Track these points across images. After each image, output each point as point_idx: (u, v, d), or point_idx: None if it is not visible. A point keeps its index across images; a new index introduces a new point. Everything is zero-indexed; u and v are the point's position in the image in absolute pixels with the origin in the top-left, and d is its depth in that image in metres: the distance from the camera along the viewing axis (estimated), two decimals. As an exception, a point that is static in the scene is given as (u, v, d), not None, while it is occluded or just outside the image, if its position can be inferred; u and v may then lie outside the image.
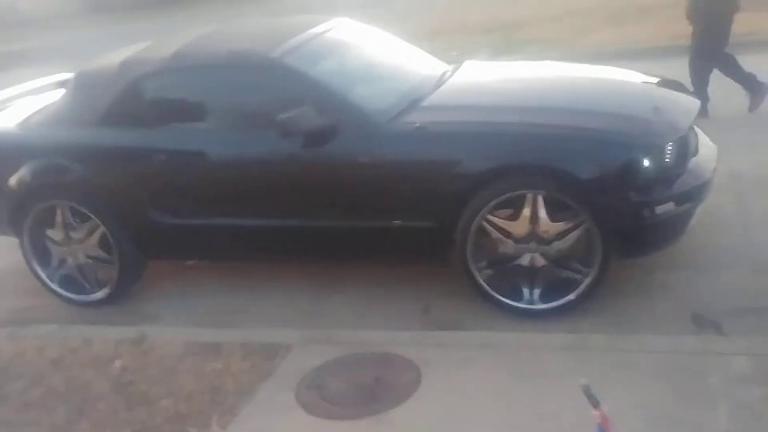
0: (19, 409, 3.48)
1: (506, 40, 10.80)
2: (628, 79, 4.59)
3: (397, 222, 3.96)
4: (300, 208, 4.13)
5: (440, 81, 4.42)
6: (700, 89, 6.34)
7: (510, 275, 3.89)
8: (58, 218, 4.61)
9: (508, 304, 3.90)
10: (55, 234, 4.67)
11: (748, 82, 6.41)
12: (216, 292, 4.68)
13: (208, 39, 4.67)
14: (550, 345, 3.43)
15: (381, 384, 3.29)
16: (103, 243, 4.61)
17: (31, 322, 4.53)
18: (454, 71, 4.60)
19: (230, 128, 4.26)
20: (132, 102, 4.40)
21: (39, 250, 4.76)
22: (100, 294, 4.71)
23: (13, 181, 4.59)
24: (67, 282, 4.78)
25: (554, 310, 3.85)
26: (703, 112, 5.41)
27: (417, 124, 3.87)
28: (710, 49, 6.45)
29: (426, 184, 3.85)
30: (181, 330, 4.08)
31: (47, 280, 4.78)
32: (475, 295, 3.99)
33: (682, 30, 6.96)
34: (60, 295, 4.78)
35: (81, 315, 4.67)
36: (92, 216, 4.50)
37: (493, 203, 3.74)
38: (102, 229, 4.53)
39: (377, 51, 4.80)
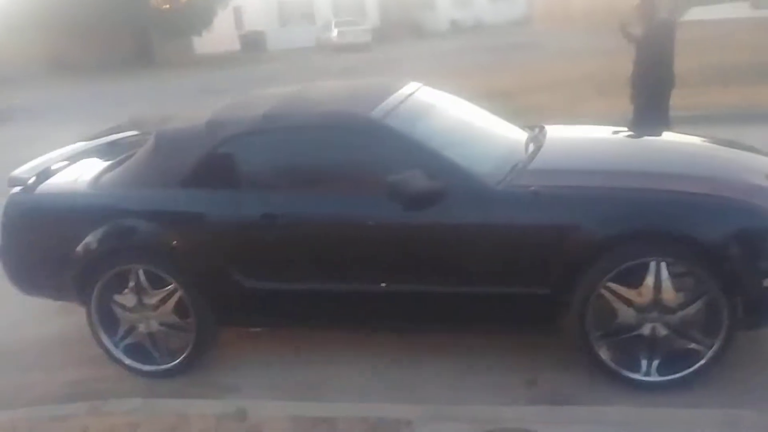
0: None
1: (509, 108, 10.86)
2: (713, 144, 4.59)
3: (507, 288, 3.82)
4: (402, 273, 3.97)
5: (536, 145, 4.35)
6: None
7: (628, 346, 3.75)
8: (131, 283, 4.33)
9: (625, 376, 3.76)
10: (127, 300, 4.39)
11: None
12: (292, 363, 4.47)
13: (297, 99, 4.55)
14: (695, 420, 3.29)
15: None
16: (178, 309, 4.33)
17: (103, 395, 4.20)
18: (542, 135, 4.54)
19: (326, 191, 4.11)
20: (220, 163, 4.23)
21: (105, 318, 4.45)
22: (171, 364, 4.43)
23: (84, 244, 4.33)
24: (134, 351, 4.50)
25: (672, 383, 3.72)
26: None
27: (533, 188, 3.77)
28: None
29: (541, 249, 3.73)
30: (280, 403, 3.82)
31: (113, 350, 4.49)
32: (587, 366, 3.87)
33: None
34: (127, 366, 4.48)
35: (149, 387, 4.37)
36: (172, 280, 4.24)
37: (615, 272, 3.61)
38: (178, 294, 4.26)
39: (460, 114, 4.74)
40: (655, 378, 3.77)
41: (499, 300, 3.86)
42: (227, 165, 4.21)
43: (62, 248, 4.44)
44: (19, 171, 4.71)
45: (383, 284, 3.98)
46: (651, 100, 6.73)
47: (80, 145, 5.20)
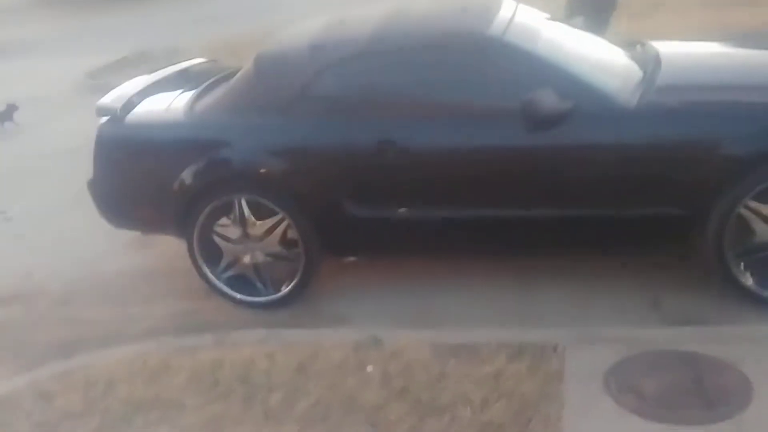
0: (304, 425, 3.10)
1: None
2: None
3: (642, 210, 3.73)
4: (528, 197, 3.87)
5: (653, 61, 4.17)
6: None
7: (764, 264, 3.69)
8: (236, 214, 4.18)
9: (759, 295, 3.71)
10: (230, 231, 4.25)
11: None
12: (401, 292, 4.36)
13: (401, 19, 4.31)
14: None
15: (707, 385, 3.04)
16: (284, 240, 4.20)
17: (213, 327, 4.10)
18: (653, 51, 4.35)
19: (445, 115, 3.93)
20: (329, 88, 4.04)
21: (207, 250, 4.31)
22: (277, 295, 4.32)
23: (186, 175, 4.15)
24: (236, 283, 4.37)
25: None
26: None
27: (670, 105, 3.63)
28: None
29: (679, 169, 3.63)
30: (413, 332, 3.73)
31: (216, 282, 4.37)
32: (709, 286, 3.84)
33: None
34: (230, 297, 4.36)
35: (255, 318, 4.26)
36: (279, 210, 4.09)
37: (758, 189, 3.52)
38: (286, 224, 4.12)
39: (563, 32, 4.54)
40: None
41: (632, 222, 3.78)
42: (336, 90, 4.03)
43: (158, 180, 4.29)
44: (106, 100, 4.48)
45: (512, 210, 3.84)
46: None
47: (150, 76, 4.92)
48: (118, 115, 4.38)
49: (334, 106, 4.02)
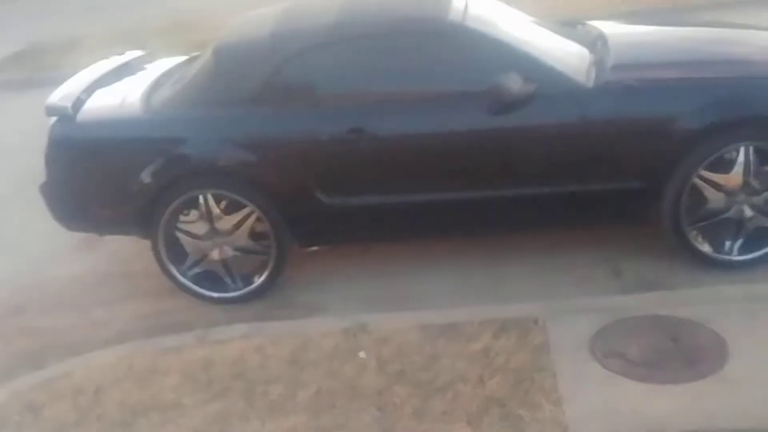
0: (311, 414, 3.15)
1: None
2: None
3: (603, 185, 3.92)
4: (495, 178, 4.01)
5: (600, 42, 4.36)
6: None
7: (716, 229, 3.96)
8: (202, 210, 4.16)
9: (712, 258, 3.97)
10: (197, 227, 4.22)
11: None
12: (374, 277, 4.43)
13: (361, 6, 4.35)
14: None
15: (684, 345, 3.27)
16: (253, 233, 4.22)
17: (187, 326, 4.08)
18: (597, 32, 4.54)
19: (409, 100, 4.01)
20: (293, 77, 4.06)
21: (172, 249, 4.27)
22: (247, 289, 4.32)
23: (147, 174, 4.11)
24: (203, 279, 4.35)
25: (753, 261, 3.97)
26: None
27: (626, 83, 3.83)
28: None
29: (637, 143, 3.85)
30: (397, 315, 3.82)
31: (183, 280, 4.34)
32: (666, 252, 4.08)
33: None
34: (200, 295, 4.35)
35: (225, 314, 4.24)
36: (247, 203, 4.09)
37: (711, 158, 3.78)
38: (254, 217, 4.13)
39: (511, 16, 4.68)
40: (736, 257, 3.98)
41: (594, 197, 3.96)
42: (301, 79, 4.04)
43: (118, 179, 4.22)
44: (54, 98, 4.34)
45: (480, 191, 3.97)
46: None
47: (92, 72, 4.79)
48: (69, 114, 4.23)
49: (300, 95, 4.04)
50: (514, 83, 3.72)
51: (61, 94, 4.40)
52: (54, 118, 4.28)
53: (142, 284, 4.64)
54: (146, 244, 4.41)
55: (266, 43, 4.11)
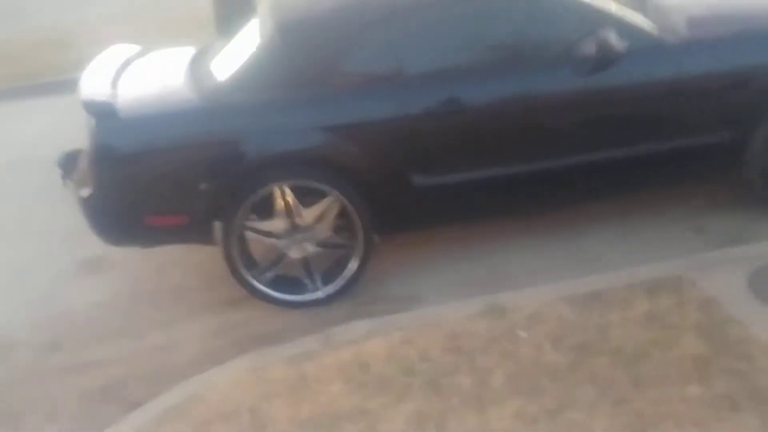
0: (526, 398, 2.87)
1: None
2: None
3: (693, 140, 3.93)
4: (592, 142, 3.92)
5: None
6: None
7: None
8: (279, 205, 3.76)
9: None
10: (274, 225, 3.81)
11: None
12: (460, 259, 4.17)
13: None
14: None
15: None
16: (336, 225, 3.89)
17: (277, 335, 3.71)
18: None
19: (500, 67, 3.83)
20: (373, 52, 3.75)
21: (243, 252, 3.83)
22: (329, 288, 3.95)
23: (215, 170, 3.68)
24: (280, 283, 3.94)
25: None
26: None
27: (709, 38, 3.86)
28: None
29: (727, 95, 3.89)
30: (525, 292, 3.59)
31: (260, 286, 3.92)
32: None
33: None
34: (277, 300, 3.94)
35: (310, 318, 3.86)
36: (331, 192, 3.74)
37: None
38: (336, 208, 3.79)
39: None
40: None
41: (685, 154, 3.94)
42: (383, 53, 3.73)
43: (177, 181, 3.75)
44: (90, 93, 3.75)
45: (577, 157, 3.86)
46: None
47: (104, 66, 4.21)
48: (112, 112, 3.66)
49: (382, 71, 3.72)
50: (615, 39, 3.62)
51: (95, 90, 3.79)
52: (95, 119, 3.65)
53: (189, 300, 4.16)
54: (165, 259, 4.20)
55: (339, 18, 3.76)
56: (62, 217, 4.83)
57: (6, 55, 9.44)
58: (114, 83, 3.90)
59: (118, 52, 4.38)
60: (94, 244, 4.22)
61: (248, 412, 2.91)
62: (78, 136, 4.86)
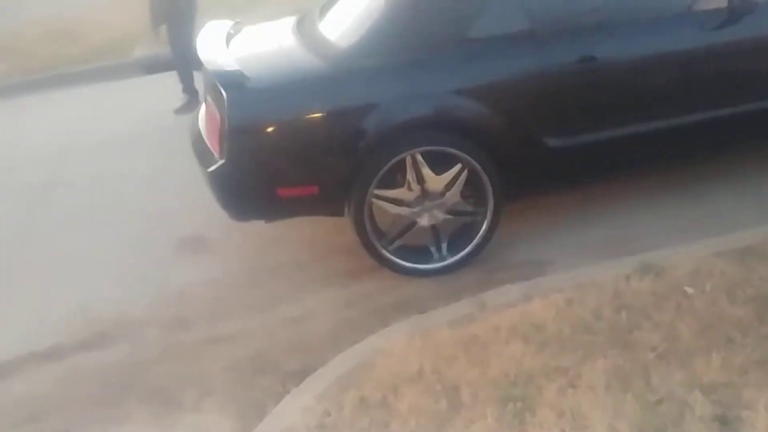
0: (730, 352, 2.83)
1: None
2: None
3: None
4: (735, 92, 3.92)
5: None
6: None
7: None
8: (411, 172, 3.71)
9: None
10: (404, 193, 3.75)
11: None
12: (576, 223, 4.16)
13: None
14: None
15: None
16: (465, 191, 3.84)
17: (415, 302, 3.65)
18: None
19: (642, 20, 3.81)
20: (506, 10, 3.70)
21: (372, 220, 3.78)
22: (456, 256, 3.91)
23: (349, 139, 3.64)
24: (406, 252, 3.88)
25: None
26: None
27: None
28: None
29: None
30: (683, 249, 3.56)
31: (389, 255, 3.87)
32: None
33: None
34: (404, 269, 3.89)
35: (442, 285, 3.81)
36: (464, 157, 3.69)
37: None
38: (465, 174, 3.74)
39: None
40: None
41: None
42: (517, 11, 3.68)
43: (311, 152, 3.70)
44: (218, 66, 3.67)
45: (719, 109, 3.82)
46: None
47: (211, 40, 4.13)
48: (245, 84, 3.58)
49: (516, 30, 3.68)
50: None
51: (220, 61, 3.71)
52: (226, 93, 3.56)
53: (305, 274, 4.10)
54: (266, 237, 4.25)
55: None
56: (148, 199, 4.99)
57: (14, 49, 9.28)
58: (234, 56, 3.80)
59: (217, 28, 4.28)
60: (187, 224, 4.45)
61: (433, 374, 2.85)
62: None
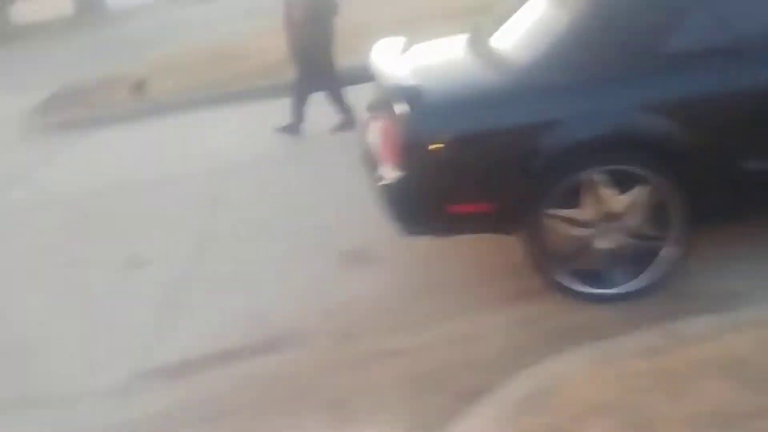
0: None
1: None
2: None
3: None
4: None
5: None
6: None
7: None
8: (591, 192, 3.52)
9: None
10: (582, 213, 3.57)
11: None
12: (763, 253, 3.84)
13: None
14: None
15: None
16: (648, 215, 3.61)
17: (587, 331, 3.41)
18: None
19: None
20: (703, 22, 3.48)
21: (545, 240, 3.61)
22: (639, 282, 3.69)
23: (530, 156, 3.52)
24: (580, 275, 3.70)
25: None
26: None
27: None
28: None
29: None
30: None
31: (561, 278, 3.70)
32: None
33: None
34: (579, 294, 3.72)
35: (616, 313, 3.60)
36: (658, 179, 3.47)
37: None
38: (650, 196, 3.51)
39: None
40: None
41: None
42: (715, 23, 3.45)
43: (490, 169, 3.64)
44: (397, 80, 3.65)
45: None
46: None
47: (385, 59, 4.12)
48: (423, 99, 3.54)
49: (713, 44, 3.45)
50: None
51: (397, 78, 3.70)
52: (401, 106, 3.54)
53: (473, 293, 4.02)
54: (430, 253, 4.19)
55: None
56: (312, 212, 5.13)
57: (181, 69, 10.04)
58: (410, 72, 3.79)
59: (390, 44, 4.30)
60: (350, 239, 4.55)
61: (623, 406, 2.68)
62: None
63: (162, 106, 9.38)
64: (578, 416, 2.69)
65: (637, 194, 3.56)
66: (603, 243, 3.64)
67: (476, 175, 3.58)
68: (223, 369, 3.67)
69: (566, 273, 3.67)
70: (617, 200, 3.56)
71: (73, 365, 3.95)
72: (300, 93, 7.00)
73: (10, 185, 7.43)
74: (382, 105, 3.98)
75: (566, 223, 3.62)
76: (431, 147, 3.56)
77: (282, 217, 5.29)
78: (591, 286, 3.69)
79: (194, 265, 4.87)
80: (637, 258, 3.66)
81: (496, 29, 4.15)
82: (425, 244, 4.19)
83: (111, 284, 4.80)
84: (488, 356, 3.46)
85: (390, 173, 3.67)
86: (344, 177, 5.21)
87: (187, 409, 3.43)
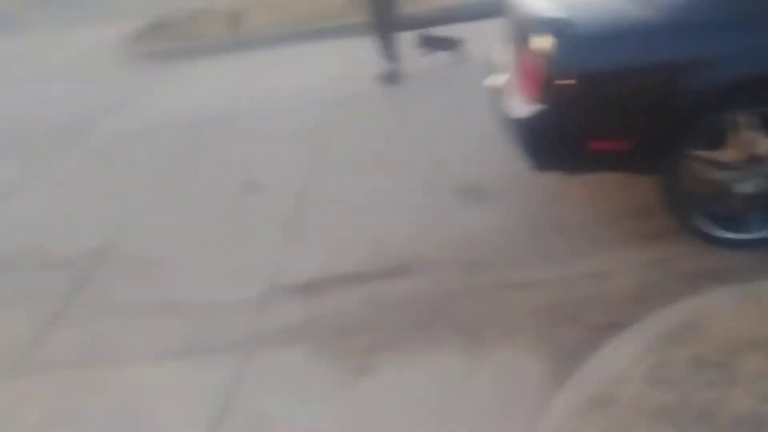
0: None
1: None
2: None
3: None
4: None
5: None
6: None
7: None
8: (737, 133, 3.41)
9: None
10: (725, 155, 3.48)
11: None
12: None
13: None
14: None
15: None
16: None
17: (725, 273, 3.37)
18: None
19: None
20: None
21: (685, 181, 3.54)
22: (766, 230, 3.56)
23: (677, 92, 3.40)
24: (716, 219, 3.62)
25: None
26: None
27: None
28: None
29: None
30: None
31: (697, 220, 3.63)
32: None
33: None
34: (712, 238, 3.65)
35: (750, 257, 3.52)
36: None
37: None
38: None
39: None
40: None
41: None
42: None
43: (634, 105, 3.52)
44: (544, 12, 3.58)
45: None
46: None
47: None
48: (572, 31, 3.47)
49: None
50: None
51: (544, 9, 3.63)
52: (551, 39, 3.48)
53: (597, 232, 3.98)
54: (547, 192, 4.10)
55: None
56: (424, 146, 5.12)
57: (281, 2, 10.04)
58: (555, 4, 3.73)
59: None
60: (466, 173, 4.53)
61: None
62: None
63: (259, 39, 9.42)
64: (727, 349, 2.69)
65: (784, 138, 3.44)
66: (743, 187, 3.56)
67: (619, 111, 3.52)
68: (351, 290, 3.76)
69: (703, 216, 3.61)
70: (762, 143, 3.47)
71: (207, 278, 4.09)
72: (384, 35, 6.87)
73: (118, 111, 7.61)
74: (520, 37, 3.93)
75: (707, 165, 3.55)
76: (574, 81, 3.51)
77: (392, 150, 5.31)
78: (727, 230, 3.62)
79: (308, 193, 4.95)
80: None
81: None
82: (541, 182, 4.16)
83: (233, 206, 4.91)
84: (621, 293, 3.45)
85: (526, 107, 3.64)
86: (454, 113, 5.20)
87: (322, 322, 3.52)
